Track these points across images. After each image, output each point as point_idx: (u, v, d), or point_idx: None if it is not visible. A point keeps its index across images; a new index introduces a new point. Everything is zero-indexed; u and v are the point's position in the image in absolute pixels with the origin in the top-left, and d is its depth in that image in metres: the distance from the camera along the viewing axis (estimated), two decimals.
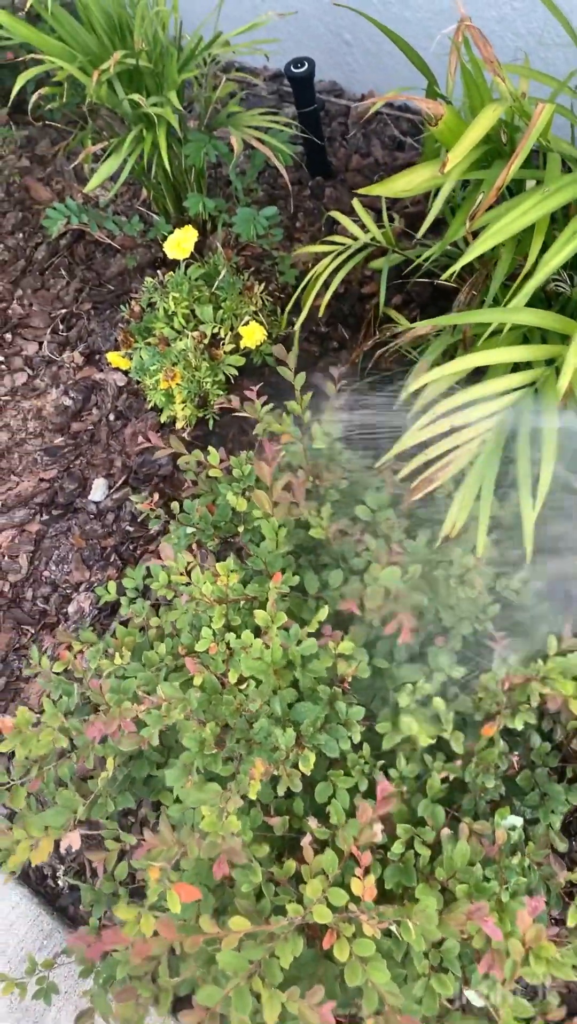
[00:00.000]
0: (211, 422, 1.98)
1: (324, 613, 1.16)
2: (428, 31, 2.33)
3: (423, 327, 1.67)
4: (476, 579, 1.23)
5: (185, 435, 2.01)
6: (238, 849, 0.91)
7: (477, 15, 2.18)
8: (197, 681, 1.08)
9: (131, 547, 1.94)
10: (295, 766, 1.05)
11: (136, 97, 1.88)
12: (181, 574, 1.22)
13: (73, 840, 1.05)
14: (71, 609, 1.87)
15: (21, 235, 2.46)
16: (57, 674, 1.39)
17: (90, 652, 1.38)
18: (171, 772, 1.01)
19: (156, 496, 1.99)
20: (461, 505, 1.23)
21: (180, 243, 1.91)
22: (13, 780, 1.25)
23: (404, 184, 1.39)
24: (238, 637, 1.21)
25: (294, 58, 2.30)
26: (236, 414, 1.60)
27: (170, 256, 1.92)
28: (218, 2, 2.08)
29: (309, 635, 1.14)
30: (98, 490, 2.04)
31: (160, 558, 1.92)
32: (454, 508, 1.24)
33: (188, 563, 1.36)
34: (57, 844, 1.10)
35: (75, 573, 1.91)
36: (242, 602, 1.27)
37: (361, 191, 1.45)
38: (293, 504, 1.28)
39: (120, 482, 2.04)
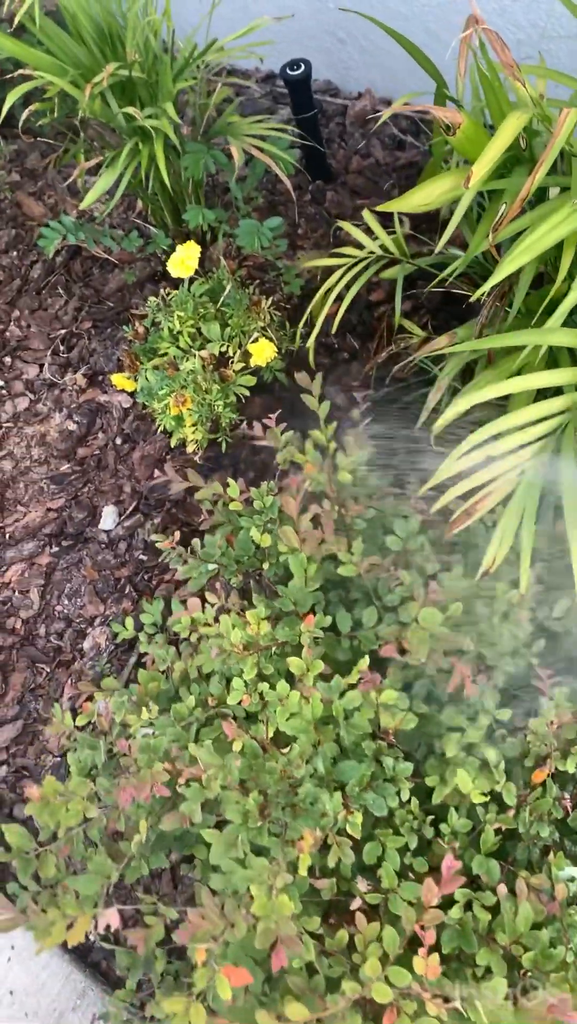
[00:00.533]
0: (223, 444, 1.91)
1: (365, 662, 1.10)
2: (426, 26, 2.26)
3: (445, 346, 1.60)
4: (521, 615, 1.17)
5: (197, 458, 1.95)
6: (294, 937, 0.85)
7: (477, 7, 2.10)
8: (237, 746, 1.01)
9: (146, 577, 1.87)
10: (341, 832, 0.99)
11: (131, 110, 1.80)
12: (208, 624, 1.16)
13: (112, 918, 0.99)
14: (87, 645, 1.80)
15: (15, 253, 2.38)
16: (80, 728, 1.33)
17: (114, 702, 1.32)
18: (215, 847, 0.95)
19: (168, 523, 1.93)
20: (502, 538, 1.17)
21: (184, 261, 1.84)
22: (41, 845, 1.19)
23: (422, 198, 1.33)
24: (272, 687, 1.15)
25: (290, 60, 2.22)
26: (250, 436, 1.53)
27: (174, 275, 1.85)
28: (211, 6, 2.00)
29: (349, 686, 1.08)
30: (108, 518, 1.97)
31: (176, 588, 1.86)
32: (494, 541, 1.18)
33: (215, 607, 1.30)
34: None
35: (89, 607, 1.85)
36: (273, 648, 1.21)
37: (379, 208, 1.38)
38: (322, 540, 1.21)
39: (131, 509, 1.98)
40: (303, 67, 2.21)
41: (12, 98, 1.80)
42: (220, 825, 1.05)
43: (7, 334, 2.25)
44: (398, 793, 1.06)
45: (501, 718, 1.17)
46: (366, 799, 1.03)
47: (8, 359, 2.21)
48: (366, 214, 1.69)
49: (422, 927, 0.89)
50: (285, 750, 1.02)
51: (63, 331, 2.24)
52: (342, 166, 2.45)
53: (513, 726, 1.22)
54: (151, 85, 1.94)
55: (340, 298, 1.69)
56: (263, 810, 0.95)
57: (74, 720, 1.36)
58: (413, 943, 0.99)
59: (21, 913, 1.00)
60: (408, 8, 2.26)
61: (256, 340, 1.87)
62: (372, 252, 1.72)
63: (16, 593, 1.89)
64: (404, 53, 1.71)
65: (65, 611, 1.86)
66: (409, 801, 1.09)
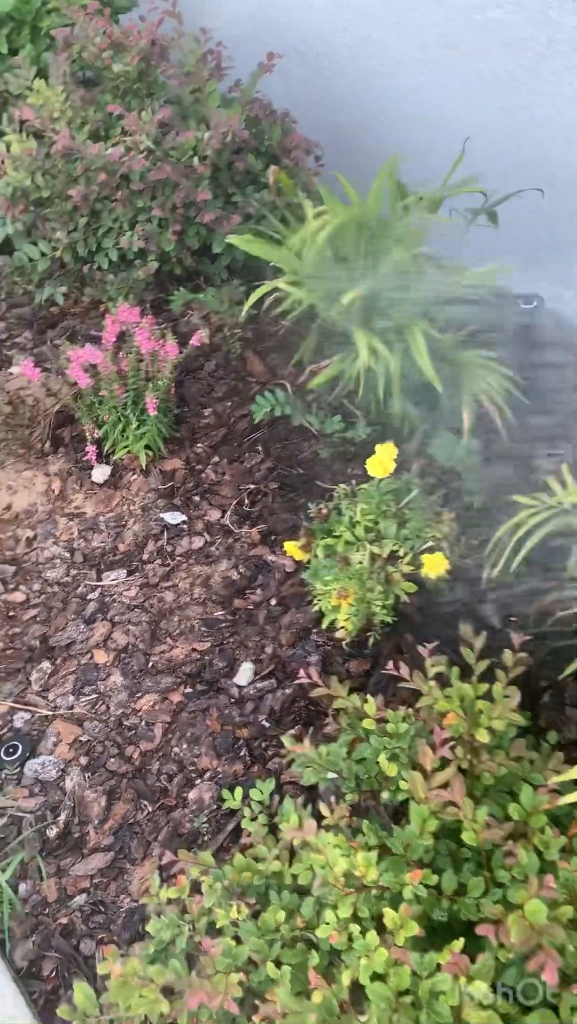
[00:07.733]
0: (371, 639, 1.96)
1: (459, 945, 1.08)
2: None
3: None
4: None
5: (344, 644, 2.01)
6: None
7: None
8: (316, 998, 1.02)
9: (263, 745, 1.92)
10: None
11: (361, 343, 1.97)
12: (317, 851, 1.18)
13: None
14: (191, 796, 1.85)
15: (229, 404, 2.60)
16: (170, 901, 1.36)
17: (206, 885, 1.34)
18: None
19: (297, 696, 1.98)
20: None
21: (381, 463, 1.95)
22: (102, 1011, 1.21)
23: None
24: (363, 933, 1.15)
25: (524, 293, 2.38)
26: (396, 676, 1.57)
27: (370, 473, 1.96)
28: (462, 249, 2.19)
29: (438, 966, 1.07)
30: (244, 674, 2.05)
31: (289, 765, 1.89)
32: None
33: (324, 823, 1.32)
34: None
35: (204, 758, 1.90)
36: (373, 890, 1.21)
37: None
38: (450, 803, 1.22)
39: (267, 671, 2.04)
40: (536, 302, 2.35)
41: (256, 296, 2.04)
42: None
43: (203, 475, 2.43)
44: None
45: None
46: None
47: (197, 498, 2.39)
48: (566, 469, 1.75)
49: None
50: (363, 1017, 1.01)
51: (252, 486, 2.39)
52: None
53: None
54: (398, 301, 2.12)
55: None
56: None
57: (161, 884, 1.40)
58: None
59: None
60: None
61: (432, 550, 1.93)
62: (561, 502, 1.76)
63: (143, 723, 1.98)
64: None
65: (181, 755, 1.92)
66: None
